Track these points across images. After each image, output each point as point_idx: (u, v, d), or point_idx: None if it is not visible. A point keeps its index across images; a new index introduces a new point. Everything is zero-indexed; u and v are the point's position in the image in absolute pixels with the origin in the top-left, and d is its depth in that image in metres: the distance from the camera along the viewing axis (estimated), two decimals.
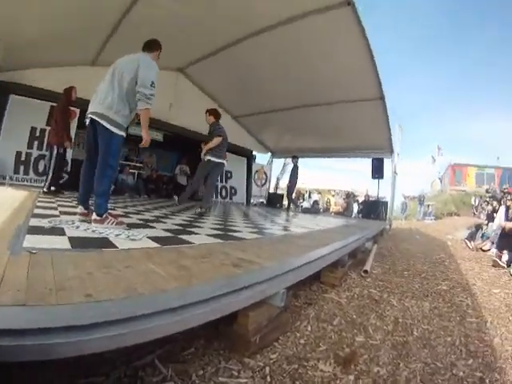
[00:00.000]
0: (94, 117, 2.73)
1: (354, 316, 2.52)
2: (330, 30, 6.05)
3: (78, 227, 2.47)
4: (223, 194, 12.00)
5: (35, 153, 7.29)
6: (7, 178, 6.48)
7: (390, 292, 3.31)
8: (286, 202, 11.33)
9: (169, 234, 2.69)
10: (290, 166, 11.23)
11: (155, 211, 4.89)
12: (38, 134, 7.33)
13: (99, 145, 2.76)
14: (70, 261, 1.53)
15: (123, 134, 2.80)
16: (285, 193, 12.04)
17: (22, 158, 7.16)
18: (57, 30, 5.79)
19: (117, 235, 2.29)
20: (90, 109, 2.80)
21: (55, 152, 5.66)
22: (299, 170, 10.75)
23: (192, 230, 3.16)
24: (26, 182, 7.13)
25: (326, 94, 8.55)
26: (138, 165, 11.25)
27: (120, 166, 9.97)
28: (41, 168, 7.20)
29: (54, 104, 7.00)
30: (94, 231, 2.39)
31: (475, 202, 19.87)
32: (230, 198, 12.28)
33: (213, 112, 5.96)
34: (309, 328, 2.20)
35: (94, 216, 2.67)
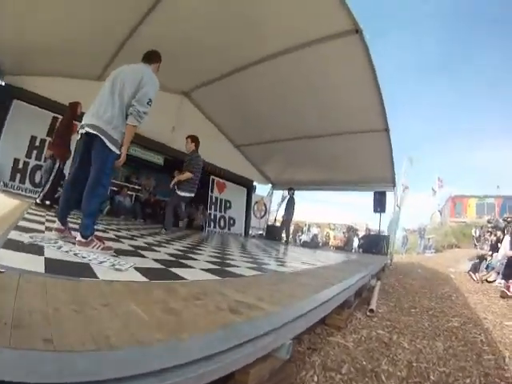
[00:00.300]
0: (92, 131, 2.53)
1: (364, 362, 2.28)
2: (337, 59, 6.06)
3: (59, 247, 2.24)
4: (221, 224, 11.71)
5: (33, 162, 7.13)
6: (1, 183, 6.25)
7: (400, 333, 3.10)
8: (283, 235, 11.04)
9: (159, 266, 2.41)
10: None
11: (149, 237, 4.61)
12: (37, 144, 7.19)
13: (93, 161, 2.57)
14: (38, 288, 1.29)
15: (119, 152, 2.64)
16: (281, 225, 11.82)
17: (20, 166, 6.99)
18: (68, 40, 5.77)
19: (101, 262, 2.02)
20: (89, 120, 2.61)
21: (57, 165, 5.55)
22: (296, 203, 10.73)
23: (186, 262, 2.87)
24: (21, 191, 6.95)
25: (330, 124, 8.53)
26: (136, 187, 11.02)
27: (118, 186, 9.79)
28: (37, 179, 7.00)
29: (56, 115, 6.95)
30: (76, 254, 2.13)
31: (476, 233, 19.52)
32: (229, 229, 11.97)
33: (195, 139, 6.03)
34: (315, 378, 1.94)
35: (79, 237, 2.42)
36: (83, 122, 2.65)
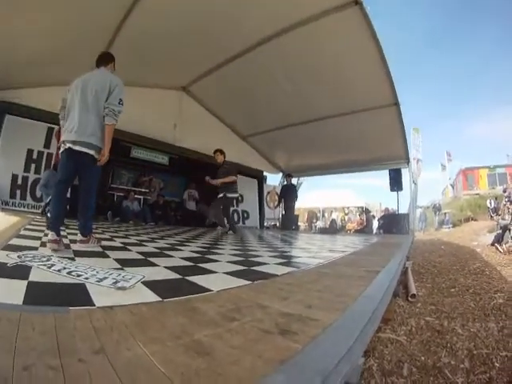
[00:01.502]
0: (80, 147, 2.71)
1: (423, 358, 2.03)
2: (338, 34, 5.68)
3: (51, 266, 1.85)
4: (235, 218, 11.31)
5: (32, 176, 6.86)
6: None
7: (449, 317, 2.92)
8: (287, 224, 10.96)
9: (174, 276, 1.96)
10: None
11: (160, 241, 4.19)
12: (35, 157, 6.93)
13: (84, 172, 2.83)
14: (7, 330, 0.92)
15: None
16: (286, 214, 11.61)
17: (19, 182, 6.74)
18: (53, 48, 5.58)
19: (100, 280, 1.59)
20: (72, 137, 2.73)
21: None
22: (298, 190, 11.06)
23: (205, 265, 2.42)
24: (23, 208, 6.70)
25: (337, 104, 8.10)
26: (143, 190, 10.64)
27: (124, 191, 9.46)
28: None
29: (52, 125, 6.63)
30: (70, 273, 1.71)
31: (491, 204, 18.91)
32: (243, 223, 11.58)
33: (223, 152, 6.92)
34: None
35: (80, 237, 2.84)
36: (65, 139, 2.77)
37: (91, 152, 2.73)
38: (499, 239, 8.13)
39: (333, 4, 4.96)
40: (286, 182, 10.79)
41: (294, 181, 12.95)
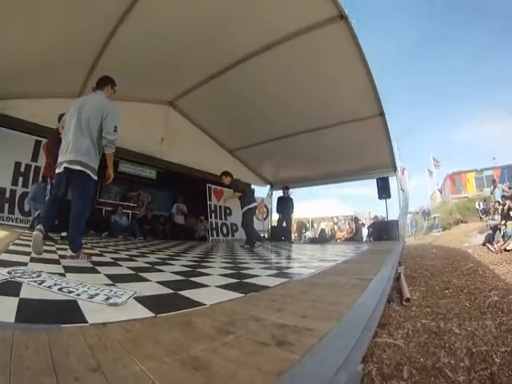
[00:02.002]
0: (75, 166, 2.87)
1: (422, 359, 2.02)
2: (324, 49, 5.73)
3: (42, 282, 1.81)
4: (224, 231, 11.23)
5: (20, 190, 6.67)
6: None
7: (445, 318, 2.92)
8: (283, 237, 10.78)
9: (166, 290, 1.94)
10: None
11: (150, 256, 4.16)
12: (22, 170, 6.75)
13: (78, 190, 2.99)
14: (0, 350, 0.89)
15: (96, 177, 3.04)
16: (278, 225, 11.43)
17: (7, 196, 6.54)
18: (42, 60, 5.49)
19: (91, 296, 1.57)
20: (68, 157, 2.91)
21: (49, 186, 5.18)
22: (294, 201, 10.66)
23: (197, 279, 2.41)
24: (11, 222, 6.49)
25: (324, 117, 8.16)
26: (131, 204, 10.56)
27: (113, 206, 9.36)
28: (27, 207, 6.52)
29: (39, 138, 6.55)
30: (61, 289, 1.68)
31: (480, 206, 19.20)
32: (232, 235, 11.48)
33: (229, 173, 7.19)
34: None
35: (70, 253, 2.86)
36: (62, 160, 2.96)
37: (86, 170, 2.89)
38: (490, 239, 8.25)
39: (320, 18, 5.01)
40: (282, 195, 10.74)
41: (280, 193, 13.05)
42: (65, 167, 2.91)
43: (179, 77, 7.16)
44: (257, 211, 12.90)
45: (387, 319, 2.74)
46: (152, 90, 7.75)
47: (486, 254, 7.31)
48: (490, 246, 7.90)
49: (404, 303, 3.42)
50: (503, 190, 15.64)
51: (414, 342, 2.35)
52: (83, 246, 3.18)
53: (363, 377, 1.73)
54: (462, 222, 20.20)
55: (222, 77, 6.90)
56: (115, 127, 3.02)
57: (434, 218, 21.46)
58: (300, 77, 6.65)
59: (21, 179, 6.71)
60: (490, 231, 8.83)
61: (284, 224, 10.86)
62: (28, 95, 6.45)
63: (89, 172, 2.92)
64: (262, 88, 7.26)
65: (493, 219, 13.17)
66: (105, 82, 3.34)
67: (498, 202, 14.16)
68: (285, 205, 10.64)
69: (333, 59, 6.01)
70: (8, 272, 1.91)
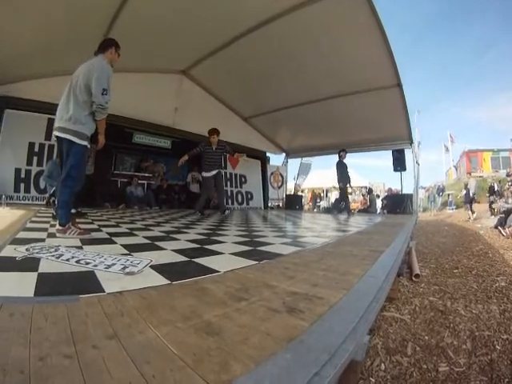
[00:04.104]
0: (59, 133, 2.83)
1: (426, 337, 2.12)
2: (341, 14, 5.50)
3: (60, 256, 1.85)
4: (239, 199, 11.32)
5: (35, 169, 6.91)
6: (3, 197, 5.95)
7: (452, 298, 3.01)
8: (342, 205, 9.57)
9: (181, 258, 1.98)
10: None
11: (166, 225, 4.22)
12: (36, 150, 6.96)
13: (66, 158, 2.86)
14: (21, 324, 0.92)
15: (85, 143, 2.86)
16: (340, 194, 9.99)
17: (22, 176, 6.80)
18: (50, 37, 5.46)
19: (108, 266, 1.62)
20: (56, 124, 2.91)
21: None
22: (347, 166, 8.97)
23: (211, 247, 2.46)
24: (27, 201, 6.77)
25: (339, 84, 7.94)
26: (146, 175, 10.64)
27: (127, 177, 9.44)
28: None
29: (52, 116, 6.57)
30: (78, 261, 1.73)
31: (493, 188, 18.76)
32: (247, 203, 11.59)
33: (216, 131, 6.69)
34: (382, 367, 1.73)
35: (57, 226, 2.70)
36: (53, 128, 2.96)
37: (65, 135, 2.78)
38: (502, 222, 8.24)
39: None
40: (339, 159, 8.85)
41: (298, 160, 12.78)
42: (54, 135, 2.92)
43: (193, 45, 6.99)
44: (272, 179, 12.93)
45: (396, 293, 2.83)
46: (165, 60, 7.62)
47: (496, 238, 7.38)
48: (501, 229, 7.91)
49: (413, 279, 3.51)
50: None
51: (420, 319, 2.44)
52: (90, 218, 3.28)
53: (369, 349, 1.76)
54: (475, 201, 19.83)
55: (236, 43, 6.72)
56: (103, 90, 2.74)
57: (448, 194, 21.32)
58: (315, 43, 6.45)
59: (35, 159, 6.93)
60: (503, 215, 8.82)
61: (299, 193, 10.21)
62: (37, 75, 6.46)
63: (69, 137, 2.76)
64: (277, 55, 7.07)
65: (506, 202, 12.94)
66: (107, 45, 3.05)
67: None
68: (346, 170, 8.86)
69: (350, 26, 5.82)
70: (26, 249, 1.96)
